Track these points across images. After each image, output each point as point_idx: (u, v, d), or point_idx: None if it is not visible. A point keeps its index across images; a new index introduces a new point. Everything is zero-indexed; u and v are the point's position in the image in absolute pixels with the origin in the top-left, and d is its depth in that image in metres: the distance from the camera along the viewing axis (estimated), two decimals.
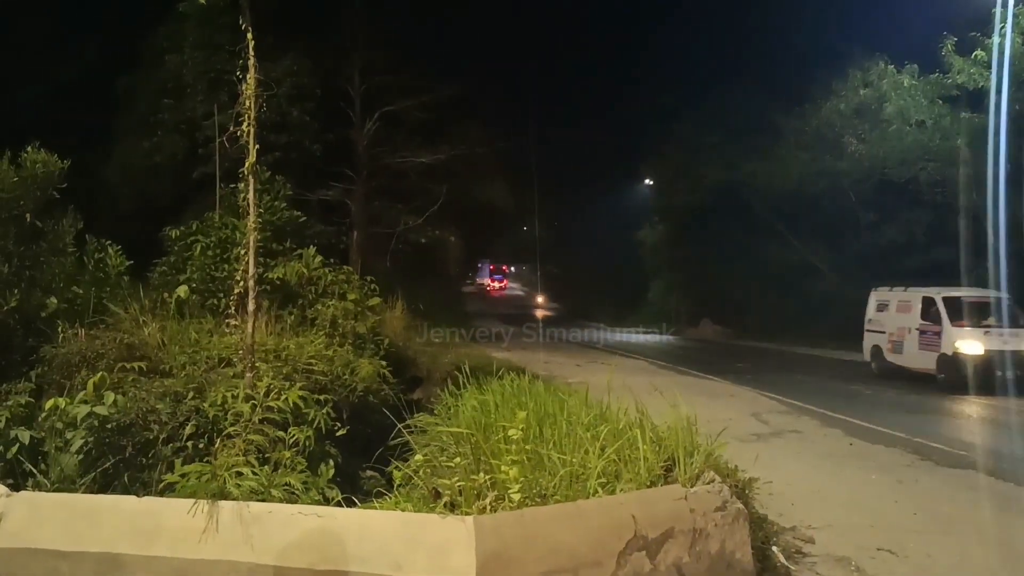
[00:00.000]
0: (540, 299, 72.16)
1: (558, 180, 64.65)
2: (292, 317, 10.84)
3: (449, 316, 37.27)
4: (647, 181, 50.53)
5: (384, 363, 10.53)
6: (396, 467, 6.12)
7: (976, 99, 22.41)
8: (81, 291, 9.61)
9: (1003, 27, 20.38)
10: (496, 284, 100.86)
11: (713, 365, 22.66)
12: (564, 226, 71.01)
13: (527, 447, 5.95)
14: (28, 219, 8.95)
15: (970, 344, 16.46)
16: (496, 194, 36.28)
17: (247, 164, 6.97)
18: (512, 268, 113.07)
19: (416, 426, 7.58)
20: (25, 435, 6.38)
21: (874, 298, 20.62)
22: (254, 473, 5.76)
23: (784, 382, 17.91)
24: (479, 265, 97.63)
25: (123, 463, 6.15)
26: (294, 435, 6.44)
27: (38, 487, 6.04)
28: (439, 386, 10.41)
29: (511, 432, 6.01)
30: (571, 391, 8.20)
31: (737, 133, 35.26)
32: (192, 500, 5.28)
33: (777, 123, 31.95)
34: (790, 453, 10.24)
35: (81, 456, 6.13)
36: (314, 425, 6.74)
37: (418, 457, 6.29)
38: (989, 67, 21.24)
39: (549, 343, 32.90)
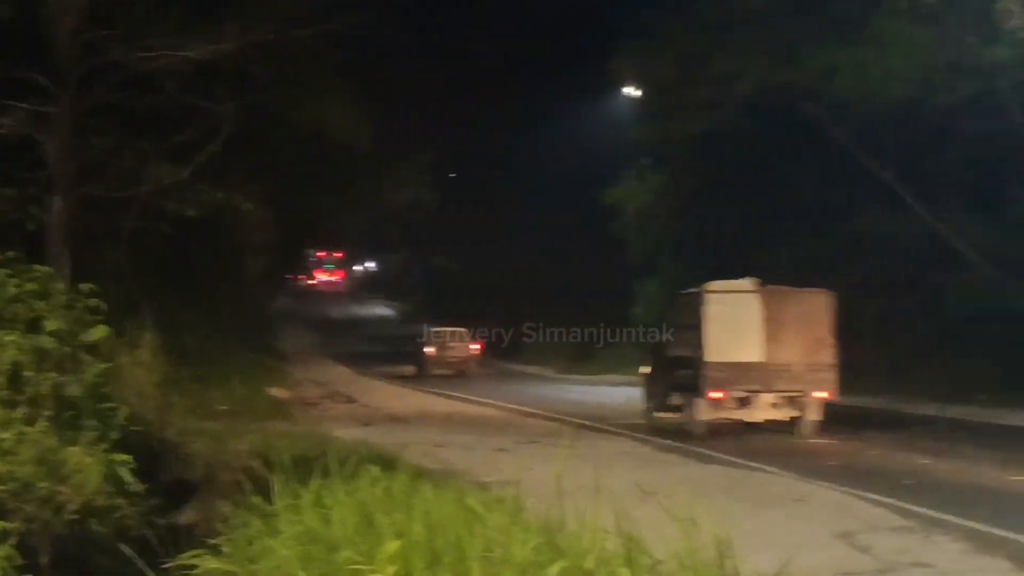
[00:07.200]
0: (422, 320, 72.45)
1: (457, 95, 64.67)
2: None
3: (249, 359, 36.65)
4: (627, 91, 50.89)
5: (124, 456, 10.33)
6: None
7: None
8: None
9: None
10: (326, 277, 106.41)
11: (764, 443, 22.98)
12: (469, 183, 71.26)
13: None
14: None
15: None
16: (337, 120, 36.16)
17: None
18: (371, 263, 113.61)
19: None
20: None
21: None
22: None
23: (897, 471, 18.51)
24: (309, 257, 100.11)
25: None
26: None
27: None
28: (230, 497, 10.28)
29: None
30: (490, 499, 8.18)
31: None
32: None
33: None
34: None
35: None
36: None
37: None
38: None
39: (443, 406, 32.73)
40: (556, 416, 29.58)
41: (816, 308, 25.49)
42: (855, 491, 16.33)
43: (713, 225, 42.91)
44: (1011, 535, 13.20)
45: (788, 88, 35.68)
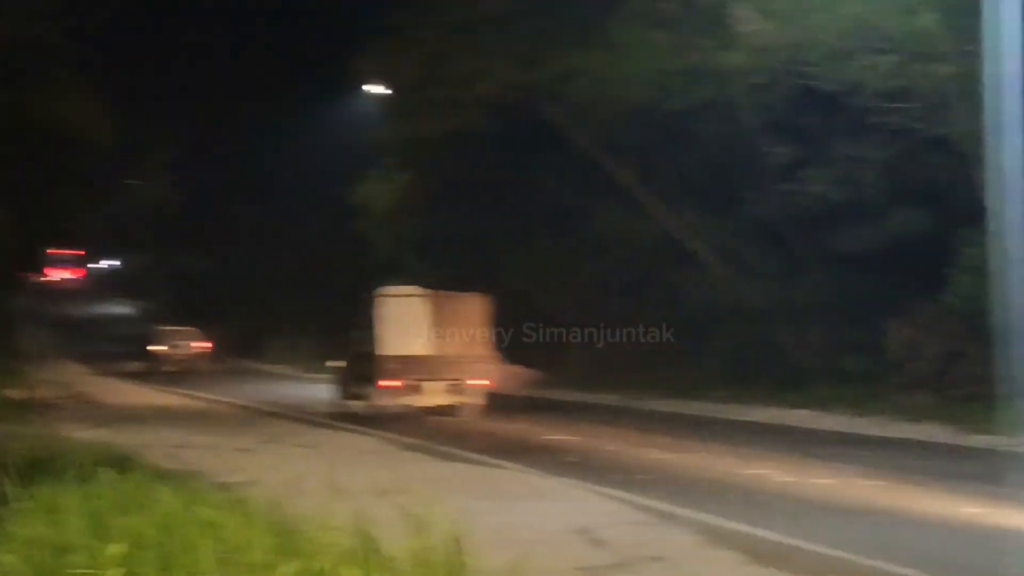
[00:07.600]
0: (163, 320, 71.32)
1: (204, 93, 63.58)
2: None
3: None
4: (373, 90, 50.39)
5: None
6: None
7: None
8: None
9: None
10: (66, 275, 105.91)
11: (506, 441, 23.19)
12: (217, 182, 70.11)
13: None
14: None
15: None
16: (77, 116, 35.32)
17: None
18: (115, 261, 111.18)
19: None
20: None
21: None
22: None
23: (633, 466, 18.93)
24: (48, 254, 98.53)
25: None
26: None
27: None
28: None
29: None
30: (229, 500, 8.08)
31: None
32: None
33: None
34: None
35: None
36: None
37: None
38: None
39: (185, 405, 32.29)
40: (299, 414, 29.59)
41: (473, 309, 29.19)
42: (593, 486, 16.64)
43: (458, 224, 42.89)
44: (743, 527, 13.65)
45: (530, 90, 35.78)
